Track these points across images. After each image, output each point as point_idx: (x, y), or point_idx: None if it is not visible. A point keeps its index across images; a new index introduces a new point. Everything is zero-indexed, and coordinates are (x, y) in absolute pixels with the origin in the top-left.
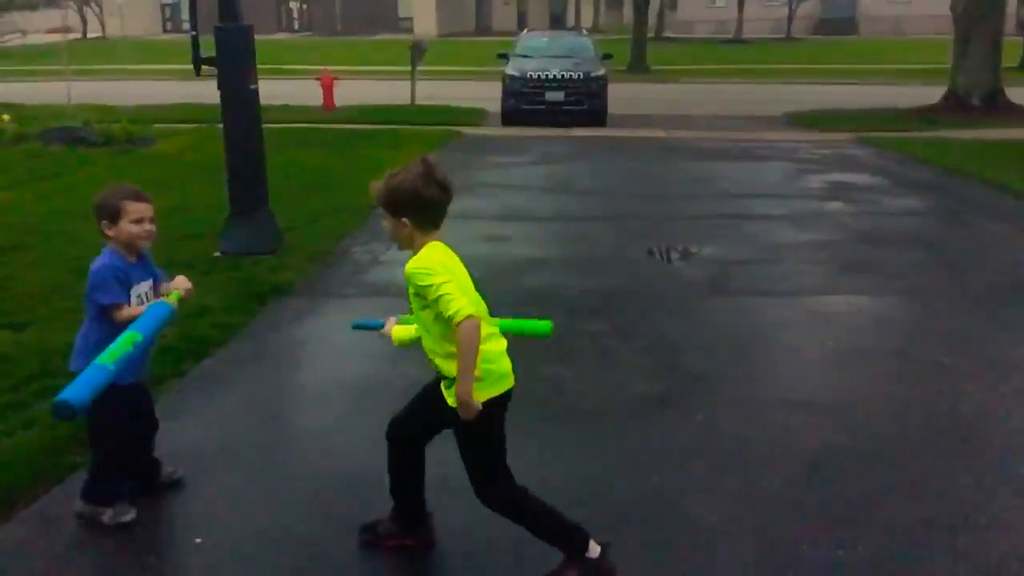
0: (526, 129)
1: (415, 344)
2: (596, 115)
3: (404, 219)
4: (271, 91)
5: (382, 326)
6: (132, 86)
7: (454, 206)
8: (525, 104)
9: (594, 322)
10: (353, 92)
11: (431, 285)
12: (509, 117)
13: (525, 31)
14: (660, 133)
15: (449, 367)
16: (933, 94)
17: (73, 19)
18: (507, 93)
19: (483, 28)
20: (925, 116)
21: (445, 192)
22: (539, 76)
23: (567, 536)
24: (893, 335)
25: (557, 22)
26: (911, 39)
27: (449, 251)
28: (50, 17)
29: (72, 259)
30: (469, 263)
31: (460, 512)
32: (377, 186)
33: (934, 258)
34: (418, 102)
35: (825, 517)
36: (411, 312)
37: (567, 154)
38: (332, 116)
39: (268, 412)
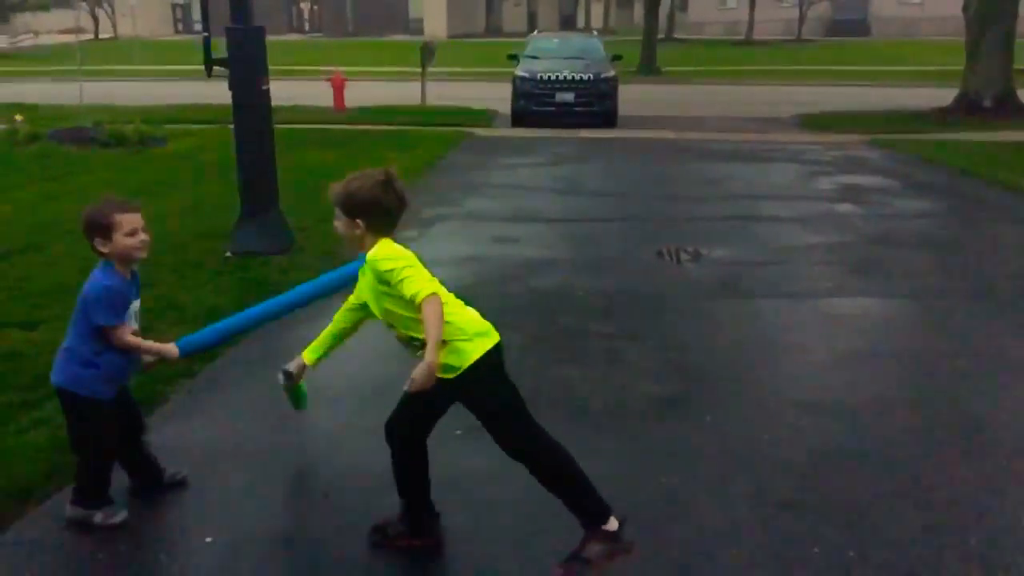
0: (536, 130)
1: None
2: (606, 116)
3: (358, 220)
4: (282, 92)
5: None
6: (144, 87)
7: (464, 206)
8: (535, 105)
9: (603, 323)
10: (363, 93)
11: (393, 270)
12: (519, 118)
13: (535, 32)
14: (670, 134)
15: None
16: (945, 96)
17: (85, 20)
18: (517, 94)
19: (493, 29)
20: (937, 118)
21: (402, 202)
22: (549, 77)
23: (591, 504)
24: (904, 337)
25: (567, 23)
26: (923, 41)
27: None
28: (62, 18)
29: (83, 259)
30: (478, 264)
31: (468, 514)
32: (336, 188)
33: (945, 260)
34: (428, 103)
35: (835, 518)
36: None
37: (577, 155)
38: (342, 117)
39: (278, 412)
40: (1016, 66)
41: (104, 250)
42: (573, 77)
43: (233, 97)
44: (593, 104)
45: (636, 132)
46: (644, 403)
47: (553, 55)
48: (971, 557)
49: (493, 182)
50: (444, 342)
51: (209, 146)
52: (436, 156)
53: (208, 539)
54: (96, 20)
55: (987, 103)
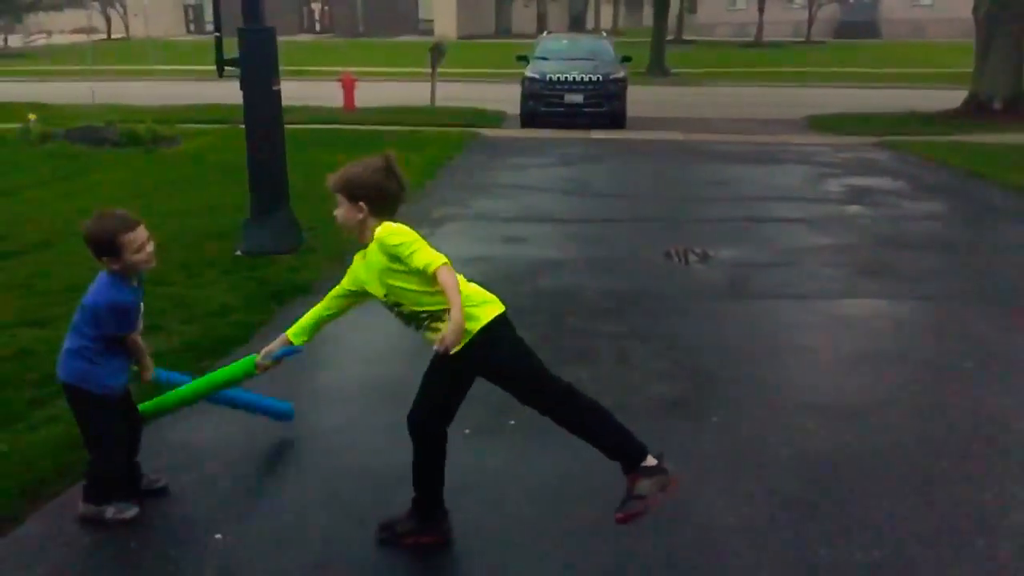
0: (545, 131)
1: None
2: (615, 117)
3: (362, 203)
4: (293, 92)
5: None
6: (156, 86)
7: (474, 207)
8: (544, 106)
9: (611, 324)
10: (373, 93)
11: (402, 243)
12: (528, 119)
13: (545, 33)
14: (679, 136)
15: (437, 300)
16: (955, 98)
17: (97, 20)
18: (526, 95)
19: (503, 30)
20: (946, 120)
21: (403, 189)
22: (558, 78)
23: (631, 447)
24: (912, 339)
25: (577, 25)
26: (932, 43)
27: None
28: (75, 17)
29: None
30: (487, 263)
31: (477, 512)
32: (336, 175)
33: (955, 262)
34: (438, 103)
35: (842, 520)
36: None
37: (585, 156)
38: (353, 117)
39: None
40: None
41: (114, 267)
42: (582, 78)
43: (244, 97)
44: (602, 105)
45: (645, 133)
46: (652, 403)
47: (562, 56)
48: (979, 560)
49: (502, 183)
50: None
51: (221, 146)
52: (446, 157)
53: (218, 536)
54: (108, 20)
55: (997, 105)
